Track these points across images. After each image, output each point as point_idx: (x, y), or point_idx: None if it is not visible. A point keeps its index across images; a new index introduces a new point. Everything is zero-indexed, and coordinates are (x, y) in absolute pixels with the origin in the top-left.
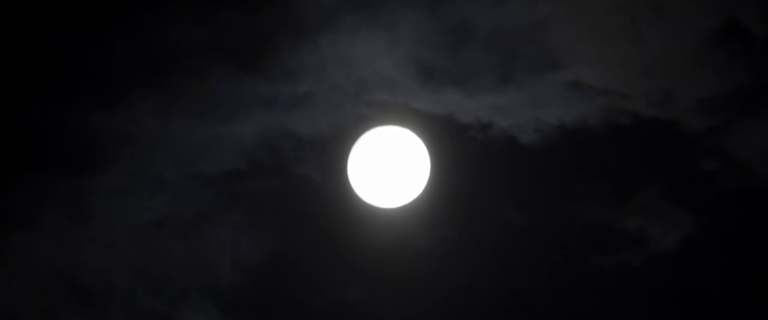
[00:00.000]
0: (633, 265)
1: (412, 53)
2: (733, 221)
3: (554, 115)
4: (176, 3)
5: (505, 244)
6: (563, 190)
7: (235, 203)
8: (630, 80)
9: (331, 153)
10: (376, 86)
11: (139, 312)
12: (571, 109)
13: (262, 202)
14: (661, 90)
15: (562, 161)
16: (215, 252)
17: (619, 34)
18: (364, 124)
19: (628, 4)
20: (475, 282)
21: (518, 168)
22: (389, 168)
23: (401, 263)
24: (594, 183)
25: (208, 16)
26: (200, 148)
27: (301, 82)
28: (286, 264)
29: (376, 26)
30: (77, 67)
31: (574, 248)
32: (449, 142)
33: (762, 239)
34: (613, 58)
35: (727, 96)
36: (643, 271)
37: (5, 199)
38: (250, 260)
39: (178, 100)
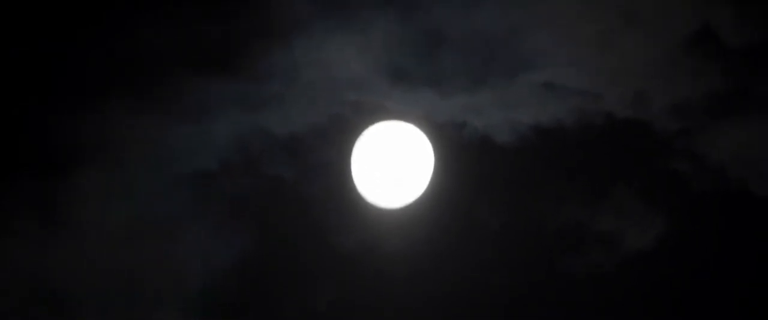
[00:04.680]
0: (606, 265)
1: (384, 56)
2: (706, 222)
3: (529, 115)
4: (150, 7)
5: (479, 245)
6: (537, 190)
7: (208, 205)
8: (604, 82)
9: (304, 154)
10: (350, 88)
11: (111, 315)
12: (546, 109)
13: (236, 203)
14: (635, 92)
15: (537, 161)
16: (188, 254)
17: (594, 38)
18: (347, 124)
19: (604, 9)
20: (451, 285)
21: (493, 169)
22: (389, 168)
23: (374, 266)
24: (568, 183)
25: (182, 19)
26: (173, 150)
27: (275, 84)
28: (258, 267)
29: (349, 30)
30: (50, 70)
31: (548, 248)
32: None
33: (734, 240)
34: (588, 60)
35: (700, 99)
36: (617, 271)
37: None
38: (222, 263)
39: (150, 103)
